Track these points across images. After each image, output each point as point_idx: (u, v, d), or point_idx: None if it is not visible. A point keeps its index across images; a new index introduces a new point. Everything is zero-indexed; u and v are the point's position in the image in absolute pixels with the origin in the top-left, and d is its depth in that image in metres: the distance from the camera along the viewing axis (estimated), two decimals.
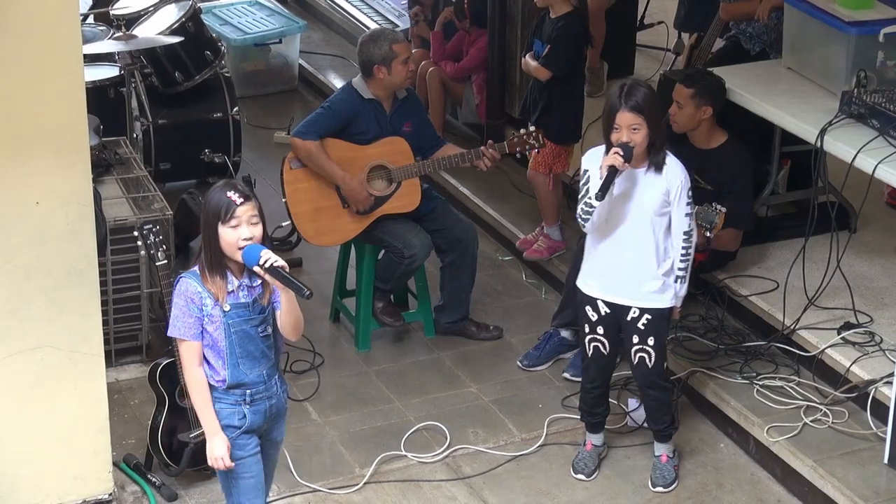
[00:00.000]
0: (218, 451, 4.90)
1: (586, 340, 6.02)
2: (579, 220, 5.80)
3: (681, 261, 5.85)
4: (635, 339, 5.93)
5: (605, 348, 6.01)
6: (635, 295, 5.86)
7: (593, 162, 5.76)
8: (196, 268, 4.85)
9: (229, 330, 4.84)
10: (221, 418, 4.93)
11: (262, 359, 4.94)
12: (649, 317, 5.88)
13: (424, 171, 7.04)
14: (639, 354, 5.95)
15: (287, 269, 4.72)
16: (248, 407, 4.94)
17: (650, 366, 5.96)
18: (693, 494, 6.13)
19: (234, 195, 4.76)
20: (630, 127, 5.63)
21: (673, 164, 5.78)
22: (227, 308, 4.82)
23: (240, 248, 4.74)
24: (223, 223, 4.75)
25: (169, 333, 4.90)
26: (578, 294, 6.02)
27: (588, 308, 5.96)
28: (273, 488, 6.03)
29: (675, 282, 5.87)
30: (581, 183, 5.80)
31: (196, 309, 4.81)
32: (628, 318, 5.90)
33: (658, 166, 5.74)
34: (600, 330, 5.97)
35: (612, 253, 5.83)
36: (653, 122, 5.67)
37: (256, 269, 4.72)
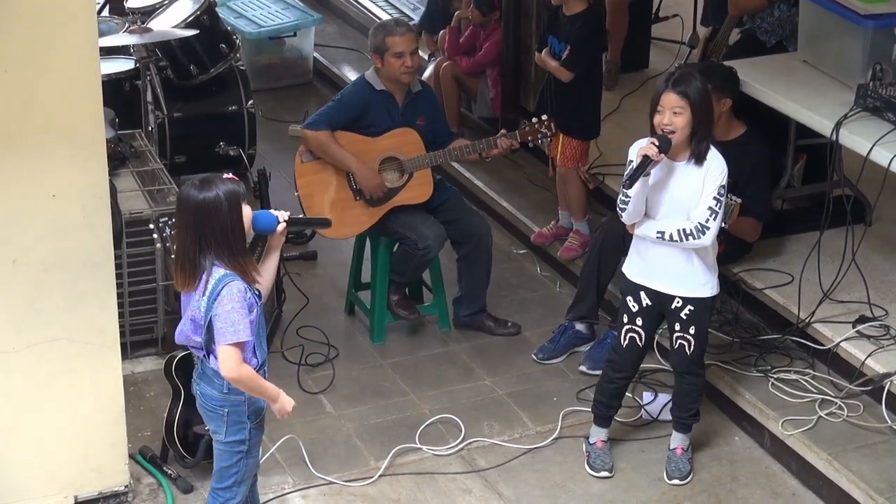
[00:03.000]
0: (291, 405, 4.91)
1: (623, 331, 6.00)
2: (618, 209, 5.80)
3: (683, 233, 5.71)
4: (677, 327, 5.94)
5: (640, 340, 6.01)
6: (679, 284, 5.86)
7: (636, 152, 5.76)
8: (221, 267, 4.71)
9: (260, 310, 4.85)
10: (255, 402, 4.94)
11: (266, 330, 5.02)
12: (692, 307, 5.88)
13: (436, 162, 7.04)
14: (679, 341, 5.96)
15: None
16: None
17: (689, 353, 5.97)
18: (707, 487, 6.13)
19: (232, 174, 4.83)
20: (672, 109, 5.62)
21: (714, 158, 5.74)
22: (257, 290, 4.86)
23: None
24: (244, 201, 4.79)
25: (239, 339, 4.70)
26: (622, 282, 6.02)
27: (630, 298, 5.95)
28: (288, 481, 6.06)
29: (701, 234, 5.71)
30: (626, 174, 5.76)
31: (248, 305, 4.75)
32: (672, 307, 5.91)
33: (699, 158, 5.71)
34: (639, 321, 5.96)
35: (654, 244, 5.83)
36: (698, 110, 5.64)
37: (280, 228, 4.83)
